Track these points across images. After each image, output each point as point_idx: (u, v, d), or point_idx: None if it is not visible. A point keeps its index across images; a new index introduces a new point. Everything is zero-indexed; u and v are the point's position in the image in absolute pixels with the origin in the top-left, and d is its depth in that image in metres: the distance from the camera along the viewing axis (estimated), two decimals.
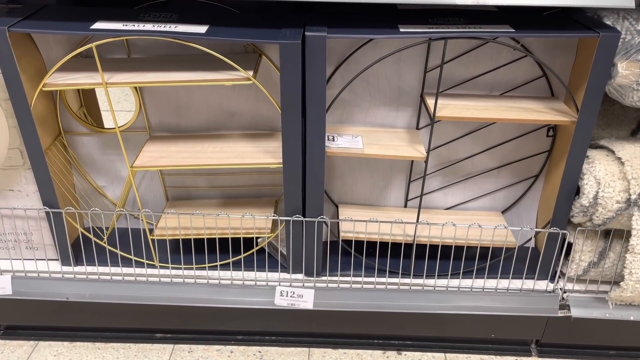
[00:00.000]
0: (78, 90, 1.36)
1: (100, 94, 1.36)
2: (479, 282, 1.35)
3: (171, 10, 1.19)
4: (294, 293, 1.33)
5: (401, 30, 1.10)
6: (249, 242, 1.36)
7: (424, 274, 1.35)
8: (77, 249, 1.38)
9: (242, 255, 1.35)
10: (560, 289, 1.34)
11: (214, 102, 1.32)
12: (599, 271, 1.31)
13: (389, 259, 1.34)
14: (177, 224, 1.36)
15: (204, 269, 1.37)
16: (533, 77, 1.27)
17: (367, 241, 1.35)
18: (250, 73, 1.11)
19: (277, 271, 1.37)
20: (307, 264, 1.35)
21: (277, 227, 1.36)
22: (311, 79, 1.10)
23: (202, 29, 1.09)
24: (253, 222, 1.35)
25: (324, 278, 1.36)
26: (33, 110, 1.16)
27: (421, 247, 1.34)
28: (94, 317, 1.39)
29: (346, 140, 1.27)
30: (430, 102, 1.21)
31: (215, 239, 1.33)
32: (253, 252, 1.35)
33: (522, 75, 1.26)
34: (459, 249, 1.32)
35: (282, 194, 1.28)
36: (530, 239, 1.40)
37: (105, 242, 1.36)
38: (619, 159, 1.20)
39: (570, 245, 1.30)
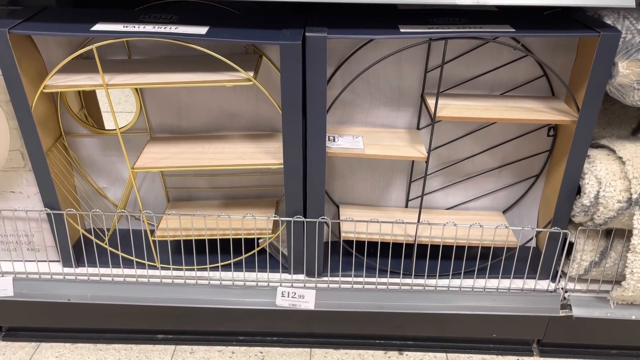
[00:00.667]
0: (79, 91, 1.36)
1: (101, 95, 1.36)
2: (480, 282, 1.35)
3: (171, 12, 1.19)
4: (295, 293, 1.33)
5: (401, 30, 1.10)
6: (250, 243, 1.36)
7: (425, 274, 1.35)
8: (78, 250, 1.38)
9: (244, 256, 1.35)
10: (562, 288, 1.34)
11: (215, 103, 1.32)
12: (600, 271, 1.31)
13: (390, 259, 1.34)
14: (178, 225, 1.36)
15: (205, 269, 1.37)
16: (533, 77, 1.27)
17: (368, 241, 1.35)
18: (251, 74, 1.12)
19: (279, 272, 1.37)
20: (308, 265, 1.35)
21: (278, 228, 1.36)
22: (311, 80, 1.10)
23: (202, 30, 1.09)
24: (254, 222, 1.35)
25: (325, 278, 1.36)
26: (34, 112, 1.16)
27: (422, 247, 1.34)
28: (95, 319, 1.39)
29: (347, 140, 1.27)
30: (430, 102, 1.21)
31: (216, 239, 1.33)
32: (254, 253, 1.35)
33: (522, 75, 1.26)
34: (460, 249, 1.32)
35: (283, 195, 1.28)
36: (532, 238, 1.40)
37: (106, 244, 1.36)
38: (620, 158, 1.20)
39: (571, 244, 1.30)
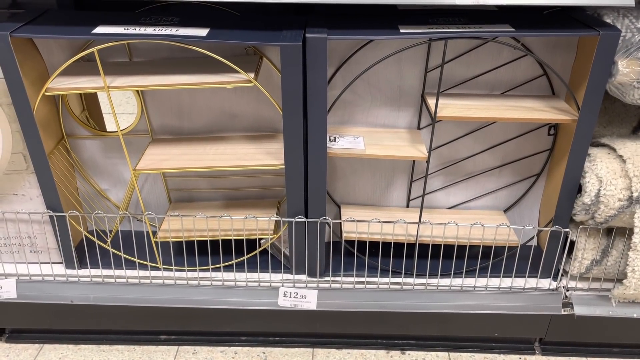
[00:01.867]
0: (80, 94, 1.37)
1: (102, 97, 1.37)
2: (481, 281, 1.35)
3: (172, 14, 1.19)
4: (297, 294, 1.33)
5: (401, 30, 1.10)
6: (252, 244, 1.37)
7: (427, 274, 1.35)
8: (80, 252, 1.39)
9: (245, 257, 1.35)
10: (563, 287, 1.34)
11: (216, 104, 1.32)
12: (601, 269, 1.31)
13: (392, 259, 1.34)
14: (180, 226, 1.36)
15: (207, 270, 1.37)
16: (534, 76, 1.27)
17: (369, 241, 1.36)
18: (252, 75, 1.12)
19: (280, 272, 1.37)
20: (310, 265, 1.35)
21: (280, 228, 1.36)
22: (312, 81, 1.10)
23: (203, 32, 1.10)
24: (256, 223, 1.35)
25: (327, 278, 1.36)
26: (36, 115, 1.17)
27: (424, 246, 1.34)
28: (98, 320, 1.40)
29: (348, 141, 1.27)
30: (431, 102, 1.21)
31: (218, 240, 1.33)
32: (256, 254, 1.35)
33: (522, 74, 1.27)
34: (462, 248, 1.33)
35: (285, 195, 1.29)
36: (533, 237, 1.40)
37: (108, 245, 1.36)
38: (621, 156, 1.20)
39: (572, 243, 1.30)
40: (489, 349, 1.44)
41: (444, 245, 1.33)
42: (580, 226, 1.26)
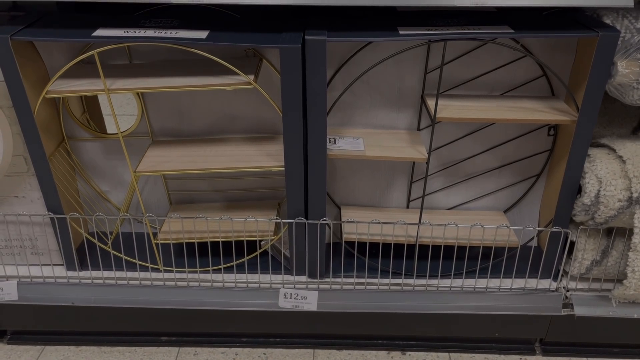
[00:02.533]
0: (81, 96, 1.37)
1: (102, 99, 1.37)
2: (482, 282, 1.35)
3: (172, 16, 1.19)
4: (297, 295, 1.33)
5: (401, 32, 1.10)
6: (252, 245, 1.37)
7: (427, 275, 1.35)
8: (81, 254, 1.39)
9: (246, 258, 1.36)
10: (564, 287, 1.34)
11: (216, 106, 1.32)
12: (601, 269, 1.31)
13: (392, 260, 1.34)
14: (180, 227, 1.36)
15: (207, 272, 1.37)
16: (533, 77, 1.27)
17: (369, 242, 1.36)
18: (251, 77, 1.12)
19: (281, 273, 1.37)
20: (310, 266, 1.35)
21: (280, 230, 1.37)
22: (312, 82, 1.11)
23: (202, 34, 1.10)
24: (256, 225, 1.35)
25: (327, 280, 1.36)
26: (36, 117, 1.17)
27: (424, 247, 1.34)
28: (99, 321, 1.40)
29: (347, 142, 1.27)
30: (430, 103, 1.22)
31: (218, 242, 1.33)
32: (256, 255, 1.36)
33: (522, 75, 1.27)
34: (462, 249, 1.33)
35: (285, 197, 1.29)
36: (533, 238, 1.40)
37: (109, 247, 1.36)
38: (620, 157, 1.20)
39: (572, 243, 1.30)
40: (490, 350, 1.44)
41: (444, 246, 1.33)
42: (580, 227, 1.26)
